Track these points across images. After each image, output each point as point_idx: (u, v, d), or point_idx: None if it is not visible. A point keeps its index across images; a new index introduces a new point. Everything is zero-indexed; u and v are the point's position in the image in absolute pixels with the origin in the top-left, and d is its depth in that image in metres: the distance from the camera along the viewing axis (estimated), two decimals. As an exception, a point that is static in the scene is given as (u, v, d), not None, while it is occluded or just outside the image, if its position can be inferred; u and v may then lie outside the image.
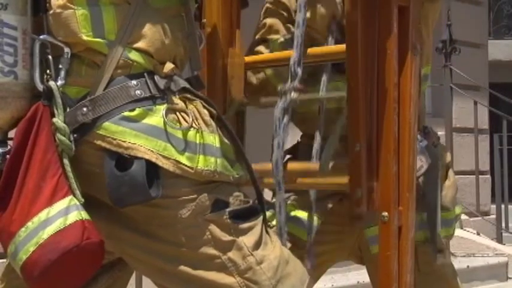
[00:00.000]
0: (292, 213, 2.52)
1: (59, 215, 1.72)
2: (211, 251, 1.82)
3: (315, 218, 2.60)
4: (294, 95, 2.17)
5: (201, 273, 1.82)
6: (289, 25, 2.55)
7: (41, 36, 1.81)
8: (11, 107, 1.79)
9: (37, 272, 1.72)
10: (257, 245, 1.86)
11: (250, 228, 1.86)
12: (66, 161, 1.77)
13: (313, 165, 2.26)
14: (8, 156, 1.79)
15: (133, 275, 3.67)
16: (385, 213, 2.08)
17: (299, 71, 2.18)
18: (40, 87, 1.80)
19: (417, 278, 2.20)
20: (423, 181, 2.46)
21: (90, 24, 1.81)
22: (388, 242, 2.08)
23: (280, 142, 2.15)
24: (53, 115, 1.79)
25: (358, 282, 5.16)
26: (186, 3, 1.93)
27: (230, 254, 1.83)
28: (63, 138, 1.77)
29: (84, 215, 1.75)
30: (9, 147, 1.81)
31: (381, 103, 2.08)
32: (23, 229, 1.72)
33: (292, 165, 2.32)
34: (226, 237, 1.83)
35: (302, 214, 2.59)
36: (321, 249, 2.52)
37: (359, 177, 2.06)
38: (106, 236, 1.85)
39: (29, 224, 1.72)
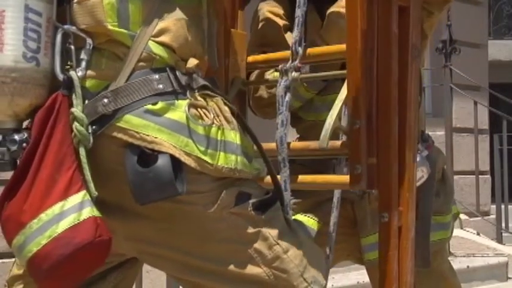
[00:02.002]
0: (292, 217, 2.52)
1: (73, 210, 1.70)
2: (237, 243, 1.82)
3: (315, 222, 2.61)
4: (295, 74, 2.18)
5: (227, 265, 1.82)
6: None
7: (65, 26, 1.79)
8: (31, 93, 1.76)
9: (47, 265, 1.69)
10: (281, 233, 1.86)
11: (272, 218, 1.86)
12: (82, 152, 1.74)
13: (314, 143, 2.26)
14: (24, 144, 1.75)
15: (133, 275, 3.68)
16: (385, 214, 2.08)
17: (300, 50, 2.18)
18: (60, 76, 1.77)
19: (416, 277, 2.20)
20: (419, 189, 2.47)
21: (115, 14, 1.78)
22: (389, 242, 2.08)
23: (283, 120, 2.15)
24: (71, 106, 1.76)
25: (358, 282, 5.16)
26: (206, 3, 1.91)
27: (256, 245, 1.83)
28: (81, 128, 1.74)
29: (96, 211, 1.72)
30: (25, 135, 1.77)
31: (381, 103, 2.08)
32: (35, 220, 1.69)
33: (294, 145, 2.32)
34: (251, 229, 1.83)
35: (302, 218, 2.60)
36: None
37: (358, 154, 2.05)
38: (124, 237, 1.84)
39: (43, 216, 1.69)
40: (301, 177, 2.29)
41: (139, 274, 3.75)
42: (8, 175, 1.76)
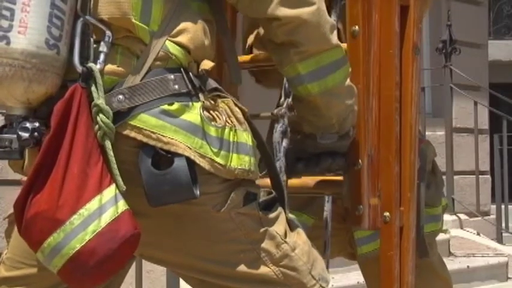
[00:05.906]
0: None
1: (111, 203, 1.67)
2: (245, 243, 1.82)
3: (308, 217, 2.61)
4: (289, 114, 2.16)
5: (235, 266, 1.81)
6: None
7: (86, 17, 1.75)
8: (48, 81, 1.72)
9: (93, 261, 1.66)
10: (286, 232, 1.87)
11: (277, 217, 1.87)
12: (108, 145, 1.71)
13: (311, 180, 2.25)
14: (36, 133, 1.71)
15: (133, 275, 3.68)
16: (387, 214, 2.08)
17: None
18: (79, 68, 1.74)
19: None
20: None
21: (140, 9, 1.76)
22: (390, 242, 2.08)
23: (281, 166, 2.14)
24: (88, 99, 1.72)
25: (358, 282, 5.15)
26: (216, 14, 1.90)
27: (263, 245, 1.82)
28: (107, 121, 1.71)
29: (126, 204, 1.71)
30: (37, 124, 1.72)
31: (382, 103, 2.08)
32: (75, 216, 1.65)
33: (292, 182, 2.29)
34: (259, 229, 1.82)
35: (295, 213, 2.60)
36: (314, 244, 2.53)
37: (360, 195, 2.05)
38: None
39: (83, 211, 1.65)
40: (294, 181, 2.27)
41: (140, 274, 3.75)
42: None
